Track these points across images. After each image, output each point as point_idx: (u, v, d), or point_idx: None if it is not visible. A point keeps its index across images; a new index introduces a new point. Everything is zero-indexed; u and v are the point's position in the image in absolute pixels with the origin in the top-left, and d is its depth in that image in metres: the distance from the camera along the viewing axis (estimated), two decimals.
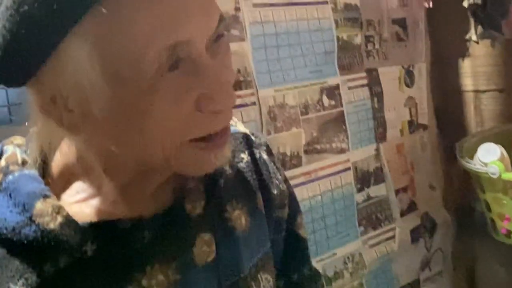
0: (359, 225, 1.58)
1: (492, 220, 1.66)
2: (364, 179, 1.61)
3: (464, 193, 1.79)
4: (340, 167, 1.54)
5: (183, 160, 0.66)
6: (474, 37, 1.75)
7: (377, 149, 1.64)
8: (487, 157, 1.59)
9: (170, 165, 0.67)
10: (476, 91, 1.85)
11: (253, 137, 0.87)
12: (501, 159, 1.59)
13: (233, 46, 1.27)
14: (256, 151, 0.87)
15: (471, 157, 1.64)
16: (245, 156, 0.85)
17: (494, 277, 1.82)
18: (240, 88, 1.31)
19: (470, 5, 1.69)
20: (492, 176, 1.55)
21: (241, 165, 0.83)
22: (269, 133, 1.36)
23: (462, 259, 1.88)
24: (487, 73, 1.82)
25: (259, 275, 0.83)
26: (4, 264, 0.64)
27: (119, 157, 0.68)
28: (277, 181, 0.89)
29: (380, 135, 1.65)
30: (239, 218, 0.81)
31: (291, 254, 0.93)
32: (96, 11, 0.55)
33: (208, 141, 0.65)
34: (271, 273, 0.86)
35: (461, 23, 1.78)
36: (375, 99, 1.65)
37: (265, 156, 0.88)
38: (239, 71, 1.32)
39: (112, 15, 0.56)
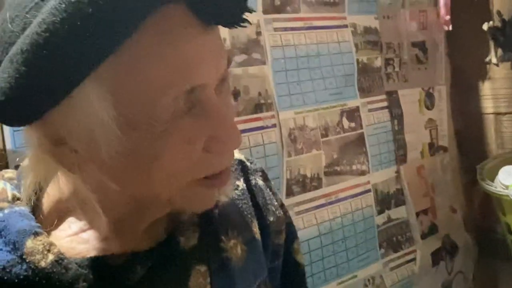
0: (380, 247, 1.58)
1: None
2: (385, 201, 1.61)
3: (485, 216, 1.79)
4: (360, 189, 1.55)
5: (187, 198, 0.67)
6: (494, 60, 1.76)
7: (398, 171, 1.65)
8: (508, 180, 1.59)
9: (174, 203, 0.68)
10: (497, 114, 1.86)
11: (248, 163, 0.87)
12: None
13: (254, 69, 1.31)
14: (252, 178, 0.87)
15: (492, 180, 1.64)
16: (240, 183, 0.84)
17: None
18: (261, 111, 1.33)
19: (489, 28, 1.72)
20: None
21: (237, 192, 0.83)
22: (289, 155, 1.37)
23: (484, 282, 1.87)
24: (507, 96, 1.82)
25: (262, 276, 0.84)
26: None
27: (117, 195, 0.68)
28: (273, 208, 0.89)
29: (401, 157, 1.66)
30: (235, 248, 0.81)
31: (289, 280, 0.93)
32: (113, 58, 0.55)
33: (212, 179, 0.65)
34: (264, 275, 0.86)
35: (481, 46, 1.79)
36: (395, 121, 1.66)
37: (260, 182, 0.89)
38: (260, 94, 1.34)
39: (129, 63, 0.57)
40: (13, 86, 0.56)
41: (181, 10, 0.58)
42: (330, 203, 1.48)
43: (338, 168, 1.50)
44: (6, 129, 1.02)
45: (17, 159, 0.85)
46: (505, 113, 1.83)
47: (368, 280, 1.55)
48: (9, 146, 1.02)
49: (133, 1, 0.54)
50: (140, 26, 0.55)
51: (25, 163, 0.74)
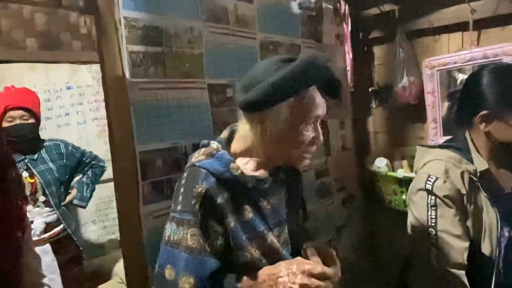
0: (316, 196, 1.65)
1: (382, 196, 1.81)
2: (319, 174, 1.68)
3: (369, 182, 1.87)
4: (308, 167, 1.61)
5: (292, 161, 0.84)
6: (374, 106, 1.93)
7: (326, 160, 1.71)
8: (380, 164, 1.79)
9: (288, 162, 0.84)
10: (375, 132, 2.00)
11: None
12: (387, 165, 1.76)
13: None
14: None
15: (372, 164, 1.82)
16: None
17: (384, 226, 1.95)
18: None
19: (372, 90, 1.89)
20: (382, 173, 1.74)
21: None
22: None
23: (367, 214, 1.95)
24: (380, 123, 1.97)
25: (298, 207, 0.98)
26: (217, 187, 0.77)
27: (266, 152, 0.82)
28: (301, 173, 1.01)
29: (328, 152, 1.73)
30: (294, 184, 0.95)
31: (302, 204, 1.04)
32: (294, 97, 0.75)
33: (305, 157, 0.82)
34: (299, 206, 0.99)
35: (368, 98, 1.94)
36: (326, 135, 1.72)
37: None
38: None
39: (300, 100, 0.76)
40: (257, 98, 0.74)
41: (318, 87, 0.79)
42: None
43: None
44: (133, 121, 1.01)
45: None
46: (379, 132, 1.97)
47: (312, 212, 1.58)
48: (135, 131, 1.02)
49: (306, 82, 0.74)
50: (307, 89, 0.76)
51: (219, 137, 0.88)
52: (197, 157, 0.83)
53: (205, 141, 0.87)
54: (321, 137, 0.82)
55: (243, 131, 0.84)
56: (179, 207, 0.78)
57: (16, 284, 0.89)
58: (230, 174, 0.78)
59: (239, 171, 0.80)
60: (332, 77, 0.81)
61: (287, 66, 0.74)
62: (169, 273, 0.75)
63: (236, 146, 0.86)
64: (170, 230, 0.78)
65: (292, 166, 0.96)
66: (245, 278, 0.78)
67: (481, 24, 1.50)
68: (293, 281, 0.74)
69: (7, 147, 0.89)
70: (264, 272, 0.78)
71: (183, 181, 0.80)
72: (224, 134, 0.90)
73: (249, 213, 0.80)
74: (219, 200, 0.77)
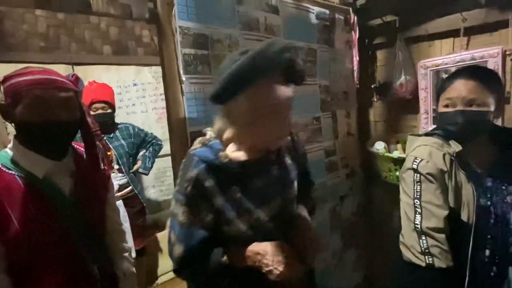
0: (325, 170, 1.63)
1: (379, 172, 1.76)
2: (328, 154, 1.64)
3: (368, 161, 1.84)
4: (319, 148, 1.59)
5: (267, 146, 0.74)
6: (375, 99, 1.85)
7: (334, 142, 1.68)
8: (378, 147, 1.72)
9: (266, 147, 0.74)
10: (375, 121, 1.92)
11: (293, 133, 0.89)
12: (384, 148, 1.70)
13: None
14: (294, 137, 0.90)
15: (372, 146, 1.75)
16: (289, 138, 0.88)
17: (379, 196, 1.91)
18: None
19: (374, 86, 1.81)
20: (380, 154, 1.68)
21: (288, 141, 0.87)
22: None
23: (366, 186, 1.90)
24: (379, 114, 1.89)
25: (295, 181, 0.85)
26: (206, 172, 0.70)
27: (246, 140, 0.73)
28: (302, 149, 0.92)
29: (336, 136, 1.69)
30: (288, 161, 0.85)
31: (304, 176, 0.92)
32: (250, 88, 0.63)
33: (276, 140, 0.71)
34: (296, 182, 0.86)
35: (370, 93, 1.86)
36: (334, 123, 1.69)
37: (296, 139, 0.91)
38: None
39: (256, 91, 0.63)
40: (217, 91, 0.63)
41: (278, 75, 0.65)
42: (310, 152, 1.50)
43: (312, 139, 1.54)
44: (185, 107, 1.00)
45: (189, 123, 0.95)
46: (378, 121, 1.91)
47: (321, 183, 1.59)
48: (187, 115, 1.02)
49: (256, 73, 0.61)
50: (263, 78, 0.63)
51: (213, 127, 0.77)
52: (195, 145, 0.77)
53: (205, 130, 0.81)
54: (288, 126, 0.69)
55: (220, 123, 0.75)
56: (177, 187, 0.74)
57: (101, 229, 0.93)
58: (218, 161, 0.71)
59: (227, 159, 0.72)
60: (290, 63, 0.64)
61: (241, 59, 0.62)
62: (171, 236, 0.75)
63: (226, 134, 0.76)
64: (172, 204, 0.75)
65: (294, 142, 0.88)
66: (231, 252, 0.73)
67: (471, 31, 1.39)
68: (275, 267, 0.69)
69: (95, 125, 0.91)
70: (250, 249, 0.72)
71: (182, 166, 0.75)
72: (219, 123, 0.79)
73: (237, 193, 0.73)
74: (207, 183, 0.71)
